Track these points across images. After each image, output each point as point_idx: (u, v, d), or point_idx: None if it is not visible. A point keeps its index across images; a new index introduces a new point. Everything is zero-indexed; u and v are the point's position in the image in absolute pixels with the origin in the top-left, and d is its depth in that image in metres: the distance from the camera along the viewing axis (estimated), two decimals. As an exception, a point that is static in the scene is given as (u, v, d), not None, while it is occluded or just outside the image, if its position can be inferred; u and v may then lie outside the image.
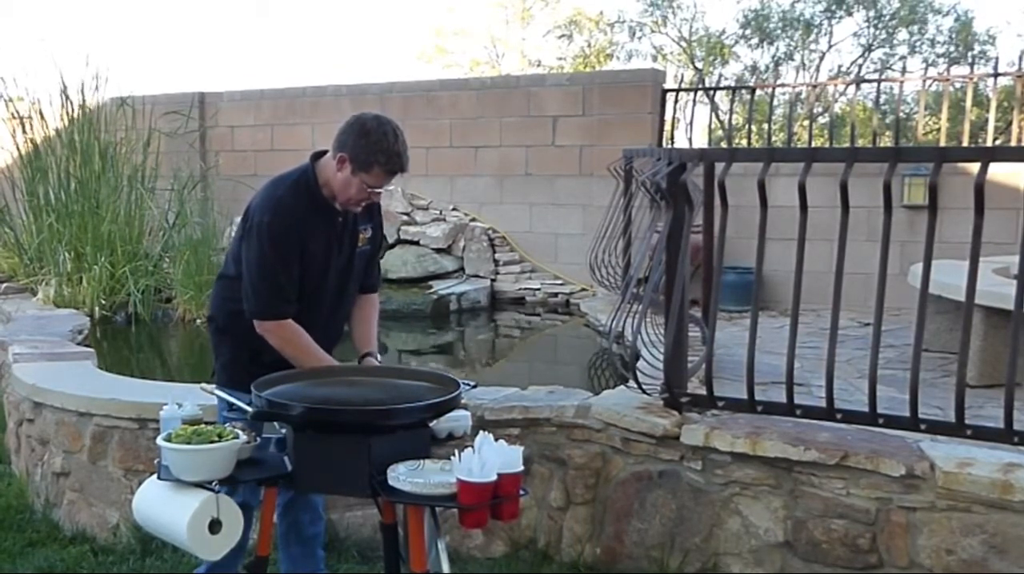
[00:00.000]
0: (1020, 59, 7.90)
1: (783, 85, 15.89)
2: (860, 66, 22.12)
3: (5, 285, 8.69)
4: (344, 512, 4.19)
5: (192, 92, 11.46)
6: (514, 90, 9.97)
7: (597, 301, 8.44)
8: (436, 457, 2.67)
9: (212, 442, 2.55)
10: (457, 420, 2.92)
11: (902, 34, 22.68)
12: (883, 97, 14.50)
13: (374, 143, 3.06)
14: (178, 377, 6.42)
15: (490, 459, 2.44)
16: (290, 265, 3.16)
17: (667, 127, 8.92)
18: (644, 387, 4.10)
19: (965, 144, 8.17)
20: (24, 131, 9.85)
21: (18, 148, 9.84)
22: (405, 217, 9.85)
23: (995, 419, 3.44)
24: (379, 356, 3.41)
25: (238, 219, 3.35)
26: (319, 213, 3.21)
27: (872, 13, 22.39)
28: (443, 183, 10.23)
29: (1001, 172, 7.28)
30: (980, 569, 3.24)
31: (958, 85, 9.71)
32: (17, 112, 9.95)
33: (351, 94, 10.57)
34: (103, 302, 8.11)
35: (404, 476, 2.51)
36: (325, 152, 3.22)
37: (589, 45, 26.16)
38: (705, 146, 9.31)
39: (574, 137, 9.55)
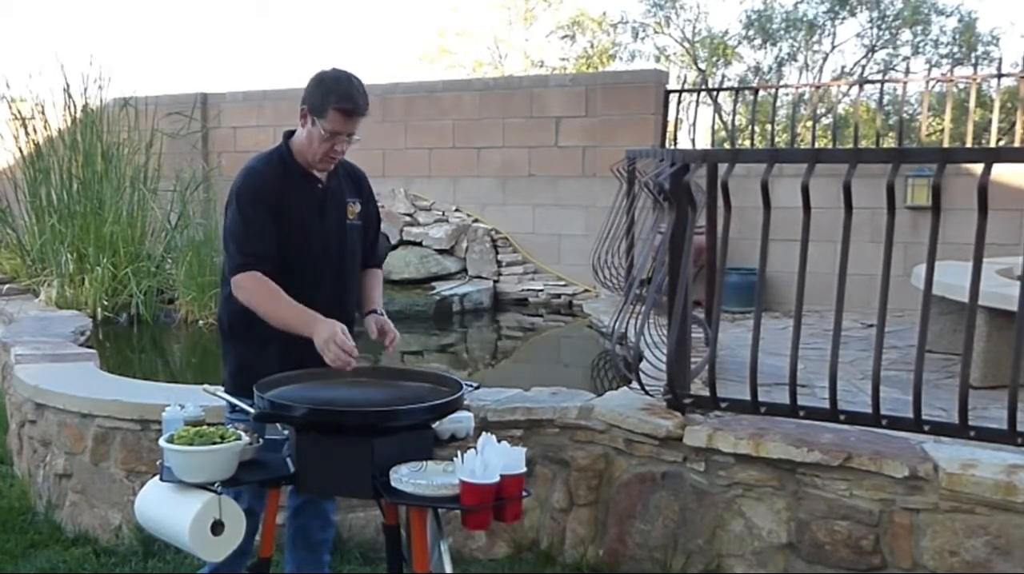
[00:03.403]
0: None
1: (786, 86, 15.91)
2: (863, 67, 22.10)
3: (7, 286, 8.70)
4: (347, 513, 4.19)
5: (194, 93, 11.46)
6: (517, 91, 9.97)
7: (600, 302, 8.44)
8: (439, 458, 2.66)
9: (214, 443, 2.55)
10: (460, 421, 2.92)
11: (905, 35, 22.68)
12: (886, 98, 14.49)
13: (327, 87, 3.12)
14: (180, 378, 6.42)
15: (493, 460, 2.44)
16: (259, 222, 3.15)
17: (670, 128, 8.91)
18: (647, 388, 4.10)
19: (968, 145, 8.16)
20: (26, 132, 9.85)
21: (20, 149, 9.85)
22: (408, 218, 9.84)
23: (999, 421, 3.43)
24: (384, 313, 3.39)
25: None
26: (294, 179, 3.24)
27: (875, 14, 22.39)
28: (446, 184, 10.23)
29: (1005, 173, 7.26)
30: (984, 570, 3.23)
31: (961, 86, 9.72)
32: (19, 113, 9.96)
33: (354, 95, 10.53)
34: (105, 303, 8.11)
35: (407, 477, 2.50)
36: None
37: (592, 46, 26.18)
38: (708, 147, 9.30)
39: (577, 138, 9.54)
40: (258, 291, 3.12)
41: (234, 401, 2.91)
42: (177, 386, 4.97)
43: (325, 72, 3.19)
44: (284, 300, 3.10)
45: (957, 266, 5.15)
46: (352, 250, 3.38)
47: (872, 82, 14.74)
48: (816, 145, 10.26)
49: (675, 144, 8.92)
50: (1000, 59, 8.83)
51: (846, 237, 3.53)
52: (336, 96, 3.10)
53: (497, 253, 9.73)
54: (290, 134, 3.32)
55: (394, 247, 9.54)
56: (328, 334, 2.96)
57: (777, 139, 16.08)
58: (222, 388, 3.21)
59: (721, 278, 4.05)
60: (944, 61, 22.10)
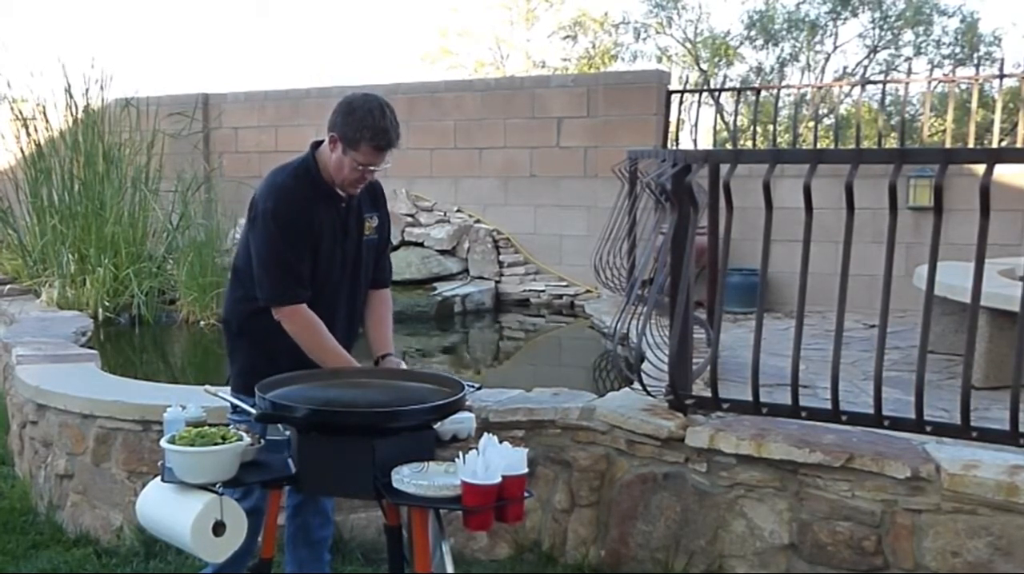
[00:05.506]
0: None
1: (788, 86, 15.90)
2: (865, 67, 22.11)
3: (9, 287, 8.70)
4: (348, 514, 4.19)
5: (196, 93, 11.46)
6: (518, 91, 9.96)
7: (602, 303, 8.43)
8: (440, 459, 2.66)
9: (216, 444, 2.54)
10: (461, 422, 2.91)
11: (907, 35, 22.68)
12: (888, 98, 14.47)
13: (360, 120, 3.06)
14: (182, 379, 6.42)
15: (494, 461, 2.43)
16: (299, 248, 3.15)
17: (672, 128, 8.91)
18: (649, 389, 4.09)
19: (970, 145, 8.15)
20: (28, 132, 9.86)
21: (22, 149, 9.85)
22: (409, 219, 9.84)
23: (1001, 421, 3.43)
24: (397, 357, 3.38)
25: (243, 220, 3.34)
26: (322, 198, 3.21)
27: (877, 14, 22.38)
28: (447, 184, 10.23)
29: (1007, 173, 7.26)
30: (985, 571, 3.23)
31: (963, 86, 9.71)
32: (21, 113, 9.96)
33: (355, 95, 10.53)
34: (107, 304, 8.11)
35: (408, 478, 2.50)
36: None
37: (594, 46, 26.20)
38: (710, 147, 9.30)
39: (579, 138, 9.53)
40: (305, 328, 3.16)
41: (235, 401, 2.91)
42: (178, 387, 4.97)
43: (355, 100, 3.10)
44: (329, 344, 3.16)
45: (959, 267, 5.14)
46: (367, 265, 3.39)
47: (874, 82, 14.75)
48: (818, 145, 10.26)
49: (677, 144, 8.92)
50: (1002, 60, 8.85)
51: (848, 238, 3.53)
52: (371, 132, 3.05)
53: (499, 254, 9.73)
54: (317, 144, 3.26)
55: (396, 248, 9.53)
56: None
57: (779, 139, 16.08)
58: (224, 388, 3.21)
59: (723, 278, 4.05)
60: (946, 62, 22.10)
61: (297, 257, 3.16)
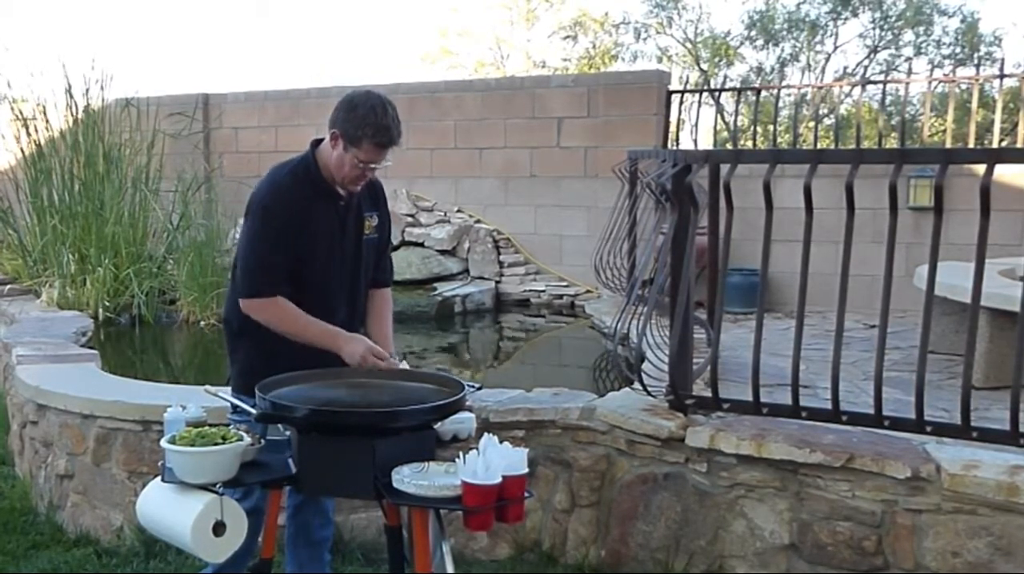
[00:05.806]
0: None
1: (788, 86, 15.90)
2: (866, 67, 22.10)
3: (9, 287, 8.69)
4: (349, 514, 4.19)
5: (196, 93, 11.46)
6: (519, 91, 9.96)
7: (602, 303, 8.43)
8: (441, 459, 2.66)
9: (216, 445, 2.54)
10: (462, 422, 2.92)
11: (908, 35, 22.66)
12: (888, 98, 14.46)
13: (362, 117, 3.05)
14: (182, 379, 6.42)
15: (495, 461, 2.43)
16: (283, 246, 3.13)
17: (672, 128, 8.91)
18: (649, 389, 4.09)
19: (971, 145, 8.15)
20: (28, 132, 9.86)
21: (22, 149, 9.85)
22: (410, 219, 9.84)
23: (1001, 421, 3.42)
24: (398, 358, 3.37)
25: (242, 220, 3.33)
26: (320, 196, 3.20)
27: (878, 14, 22.37)
28: (448, 184, 10.23)
29: (1007, 173, 7.26)
30: (986, 571, 3.23)
31: (964, 86, 9.72)
32: (21, 113, 9.96)
33: (355, 95, 10.53)
34: (107, 304, 8.11)
35: (408, 478, 2.50)
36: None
37: (594, 46, 26.18)
38: (710, 147, 9.30)
39: (579, 138, 9.53)
40: (281, 317, 3.15)
41: (236, 402, 2.91)
42: (179, 387, 4.97)
43: (356, 98, 3.10)
44: (306, 320, 3.14)
45: (959, 267, 5.14)
46: (367, 265, 3.38)
47: (874, 82, 14.75)
48: (818, 146, 10.26)
49: (677, 145, 8.92)
50: (1002, 60, 8.85)
51: (848, 238, 3.52)
52: (373, 130, 3.05)
53: (499, 254, 9.73)
54: (317, 143, 3.25)
55: (396, 248, 9.53)
56: (363, 349, 3.08)
57: (779, 140, 16.07)
58: (224, 389, 3.21)
59: (723, 279, 4.05)
60: (946, 62, 22.09)
61: (279, 256, 3.14)
